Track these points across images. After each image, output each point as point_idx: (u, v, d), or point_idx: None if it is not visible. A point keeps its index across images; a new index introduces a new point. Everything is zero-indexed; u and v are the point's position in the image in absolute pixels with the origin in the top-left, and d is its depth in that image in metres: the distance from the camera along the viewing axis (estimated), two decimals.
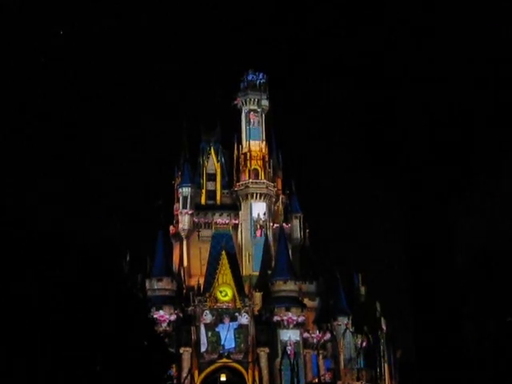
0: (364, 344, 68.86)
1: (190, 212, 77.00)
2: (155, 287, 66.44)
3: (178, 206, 78.10)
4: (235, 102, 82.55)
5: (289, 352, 64.65)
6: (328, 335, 68.35)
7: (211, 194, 79.91)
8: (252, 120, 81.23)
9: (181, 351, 63.88)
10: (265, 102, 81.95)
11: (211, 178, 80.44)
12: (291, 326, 66.19)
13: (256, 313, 67.48)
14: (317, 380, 66.19)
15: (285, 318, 66.10)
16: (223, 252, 68.26)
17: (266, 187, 78.16)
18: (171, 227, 78.47)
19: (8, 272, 26.73)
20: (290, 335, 66.02)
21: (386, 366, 69.72)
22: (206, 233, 76.30)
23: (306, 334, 67.62)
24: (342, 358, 67.30)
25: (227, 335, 64.89)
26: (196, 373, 63.71)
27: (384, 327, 71.55)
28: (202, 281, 68.91)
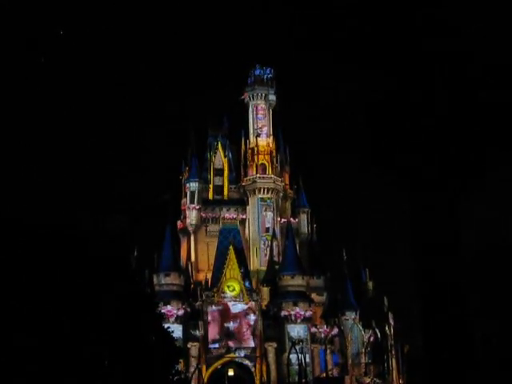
0: (372, 339, 68.83)
1: (197, 207, 77.12)
2: (163, 282, 66.52)
3: (186, 201, 78.22)
4: (242, 97, 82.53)
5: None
6: (336, 330, 68.35)
7: (219, 189, 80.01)
8: (259, 115, 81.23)
9: (189, 346, 64.00)
10: (272, 97, 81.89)
11: (219, 173, 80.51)
12: (299, 320, 66.21)
13: (264, 308, 67.53)
14: (324, 375, 66.18)
15: (292, 312, 66.11)
16: (231, 247, 68.33)
17: (274, 182, 78.17)
18: (179, 222, 78.58)
19: (15, 269, 26.82)
20: (297, 330, 66.04)
21: (393, 360, 69.65)
22: (214, 228, 76.39)
23: (313, 329, 67.64)
24: (349, 352, 67.28)
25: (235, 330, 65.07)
26: (204, 367, 63.82)
27: (392, 322, 71.46)
28: (209, 276, 68.99)
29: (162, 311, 59.20)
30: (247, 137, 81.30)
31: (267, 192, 77.54)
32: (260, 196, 77.37)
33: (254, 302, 66.14)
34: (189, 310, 66.17)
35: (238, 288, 66.51)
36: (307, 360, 64.21)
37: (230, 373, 64.92)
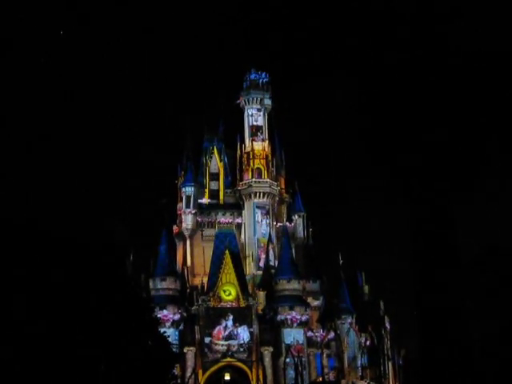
0: (368, 343, 68.83)
1: (193, 211, 77.09)
2: (159, 287, 66.47)
3: (181, 205, 78.19)
4: (238, 101, 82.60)
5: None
6: (332, 334, 68.30)
7: (214, 194, 79.98)
8: (255, 119, 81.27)
9: (185, 350, 63.91)
10: (267, 101, 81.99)
11: (214, 177, 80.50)
12: (295, 325, 66.16)
13: (260, 312, 67.48)
14: (321, 379, 66.12)
15: (288, 316, 66.06)
16: (227, 251, 68.25)
17: (269, 186, 78.20)
18: (174, 227, 78.55)
19: (12, 272, 26.79)
20: (293, 334, 65.97)
21: (389, 364, 69.67)
22: (210, 232, 76.33)
23: (309, 333, 67.58)
24: (345, 356, 67.23)
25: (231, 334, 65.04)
26: (200, 372, 63.70)
27: (388, 326, 71.51)
28: (205, 280, 68.91)
29: (158, 316, 59.13)
30: (243, 141, 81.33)
31: (263, 196, 77.56)
32: (256, 200, 77.38)
33: (250, 307, 66.05)
34: (185, 314, 66.14)
35: (234, 292, 66.43)
36: (303, 364, 64.18)
37: (227, 377, 64.83)
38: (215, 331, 64.99)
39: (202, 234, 77.10)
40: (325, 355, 67.73)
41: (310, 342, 67.13)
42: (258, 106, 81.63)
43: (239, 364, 64.69)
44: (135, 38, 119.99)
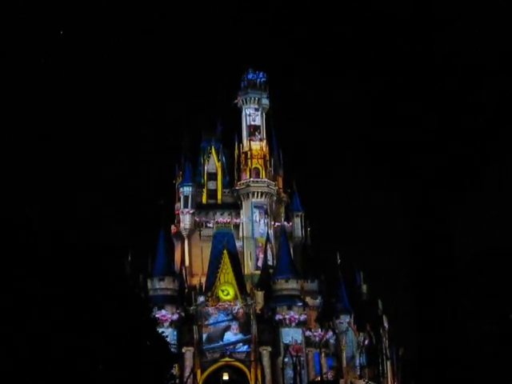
0: (366, 342, 68.87)
1: (191, 211, 77.07)
2: (157, 287, 66.43)
3: (179, 205, 78.16)
4: (235, 101, 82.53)
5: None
6: (330, 333, 68.34)
7: (212, 193, 79.97)
8: (252, 119, 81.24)
9: (183, 350, 63.90)
10: (265, 101, 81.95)
11: (212, 177, 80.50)
12: (293, 324, 66.13)
13: (258, 311, 67.46)
14: (319, 378, 66.14)
15: (287, 316, 66.03)
16: (225, 251, 68.26)
17: (267, 186, 78.17)
18: (172, 227, 78.51)
19: (10, 272, 26.75)
20: (292, 334, 65.94)
21: (388, 363, 69.69)
22: (208, 232, 76.31)
23: (308, 333, 67.57)
24: (344, 356, 67.26)
25: (229, 334, 65.02)
26: (198, 372, 63.71)
27: (386, 325, 71.53)
28: (203, 280, 68.91)
29: (156, 316, 58.94)
30: (240, 141, 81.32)
31: (261, 196, 77.54)
32: (254, 200, 77.35)
33: (248, 306, 66.05)
34: (183, 314, 66.08)
35: (232, 292, 66.42)
36: (302, 364, 64.18)
37: (225, 377, 64.86)
38: (213, 331, 64.99)
39: (200, 234, 77.09)
40: (323, 355, 67.75)
41: (308, 341, 67.13)
42: (256, 106, 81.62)
43: (238, 364, 64.72)
44: (135, 38, 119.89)
